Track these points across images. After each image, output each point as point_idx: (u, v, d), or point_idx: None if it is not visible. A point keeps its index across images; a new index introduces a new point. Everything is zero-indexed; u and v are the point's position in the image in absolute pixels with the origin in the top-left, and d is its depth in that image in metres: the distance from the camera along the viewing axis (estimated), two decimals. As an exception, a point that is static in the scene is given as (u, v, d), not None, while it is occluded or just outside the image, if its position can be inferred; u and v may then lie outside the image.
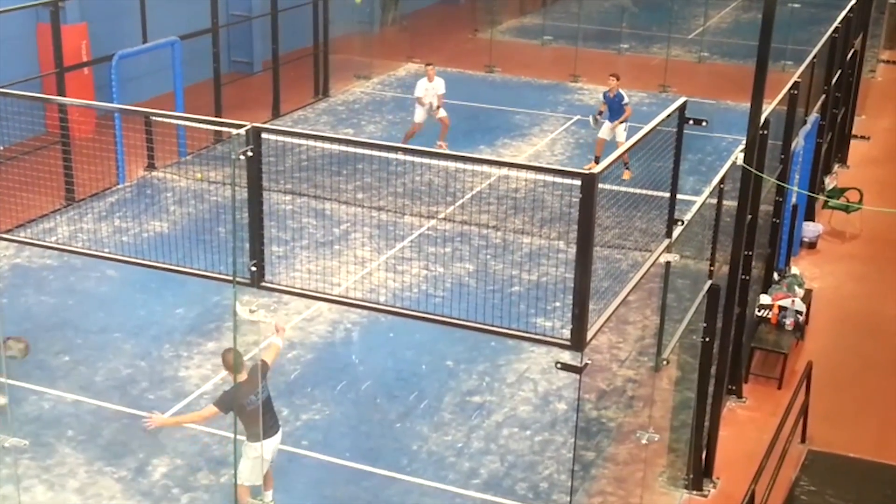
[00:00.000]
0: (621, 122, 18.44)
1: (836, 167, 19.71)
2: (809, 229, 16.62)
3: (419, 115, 19.61)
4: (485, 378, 12.56)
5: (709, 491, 10.82)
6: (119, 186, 17.55)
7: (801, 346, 13.54)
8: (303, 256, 14.65)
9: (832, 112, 17.86)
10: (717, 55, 27.81)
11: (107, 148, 17.37)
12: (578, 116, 22.16)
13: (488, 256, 14.98)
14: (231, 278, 7.90)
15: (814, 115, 15.65)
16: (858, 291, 15.33)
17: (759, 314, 13.39)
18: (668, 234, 8.95)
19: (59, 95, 16.63)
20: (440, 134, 19.65)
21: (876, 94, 24.85)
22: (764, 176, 11.19)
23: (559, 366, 7.46)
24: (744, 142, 10.26)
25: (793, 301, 13.40)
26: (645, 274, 8.40)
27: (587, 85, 24.84)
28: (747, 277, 11.75)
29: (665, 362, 9.43)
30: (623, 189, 8.86)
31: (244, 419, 9.26)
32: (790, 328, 13.25)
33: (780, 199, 13.71)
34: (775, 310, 13.35)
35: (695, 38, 29.19)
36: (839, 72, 17.66)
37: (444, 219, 16.46)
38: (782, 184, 13.34)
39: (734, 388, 12.31)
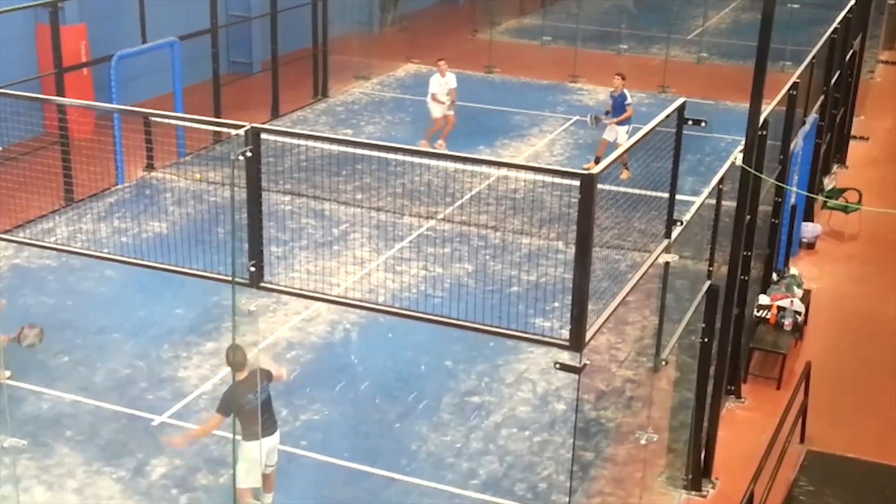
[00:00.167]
0: (620, 122, 18.46)
1: (834, 168, 19.72)
2: (808, 230, 16.62)
3: (436, 111, 19.76)
4: (484, 378, 12.56)
5: (708, 491, 10.82)
6: (118, 187, 17.56)
7: (799, 346, 13.54)
8: (302, 257, 14.65)
9: (831, 113, 17.86)
10: (717, 56, 27.83)
11: (106, 148, 17.38)
12: (577, 117, 22.16)
13: (487, 257, 14.98)
14: (230, 279, 7.90)
15: (813, 116, 15.65)
16: (857, 292, 15.33)
17: (758, 314, 13.39)
18: (667, 235, 8.95)
19: (59, 96, 16.63)
20: (442, 132, 19.69)
21: (875, 95, 24.88)
22: (763, 176, 11.20)
23: (558, 366, 7.45)
24: (743, 142, 10.26)
25: (791, 301, 13.40)
26: (644, 274, 8.40)
27: (586, 85, 24.86)
28: (746, 278, 11.76)
29: (664, 363, 9.43)
30: (622, 189, 8.85)
31: (242, 418, 9.26)
32: (789, 328, 13.26)
33: (779, 200, 13.71)
34: (774, 310, 13.36)
35: (694, 39, 29.20)
36: (838, 72, 17.66)
37: (444, 219, 16.46)
38: (781, 184, 13.35)
39: (733, 388, 12.31)
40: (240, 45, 24.72)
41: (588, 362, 7.48)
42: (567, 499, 10.27)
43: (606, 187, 7.71)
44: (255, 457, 9.33)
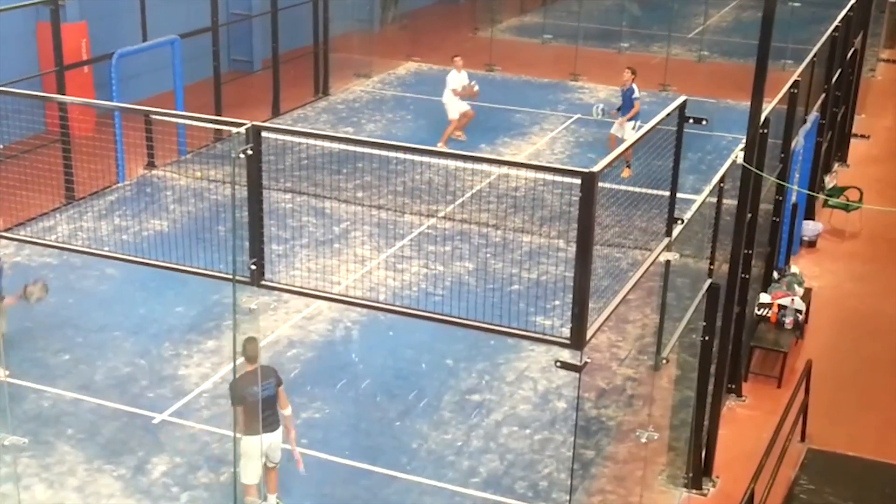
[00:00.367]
0: (629, 119, 18.51)
1: (835, 166, 19.71)
2: (809, 228, 16.62)
3: (453, 111, 19.92)
4: (484, 377, 12.56)
5: (708, 490, 10.82)
6: (119, 185, 17.55)
7: (800, 344, 13.54)
8: (302, 255, 14.65)
9: (832, 111, 17.86)
10: (718, 54, 27.82)
11: (107, 146, 17.36)
12: (578, 115, 22.16)
13: (488, 255, 14.97)
14: (231, 277, 7.90)
15: (814, 114, 15.65)
16: (858, 290, 15.33)
17: (759, 313, 13.39)
18: (668, 233, 8.95)
19: (59, 94, 16.62)
20: (446, 130, 19.71)
21: (876, 93, 24.87)
22: (764, 175, 11.19)
23: (559, 364, 7.45)
24: (744, 140, 10.26)
25: (792, 300, 13.40)
26: (645, 272, 8.40)
27: (587, 84, 24.85)
28: (747, 276, 11.76)
29: (665, 361, 9.43)
30: (623, 188, 8.85)
31: (244, 410, 9.28)
32: (790, 327, 13.26)
33: (780, 198, 13.71)
34: (775, 308, 13.36)
35: (695, 37, 29.17)
36: (839, 71, 17.66)
37: (444, 217, 16.46)
38: (782, 182, 13.35)
39: (734, 386, 12.31)
40: (240, 43, 24.70)
41: (589, 360, 7.48)
42: (568, 497, 10.27)
43: (607, 185, 7.70)
44: (256, 451, 9.35)
